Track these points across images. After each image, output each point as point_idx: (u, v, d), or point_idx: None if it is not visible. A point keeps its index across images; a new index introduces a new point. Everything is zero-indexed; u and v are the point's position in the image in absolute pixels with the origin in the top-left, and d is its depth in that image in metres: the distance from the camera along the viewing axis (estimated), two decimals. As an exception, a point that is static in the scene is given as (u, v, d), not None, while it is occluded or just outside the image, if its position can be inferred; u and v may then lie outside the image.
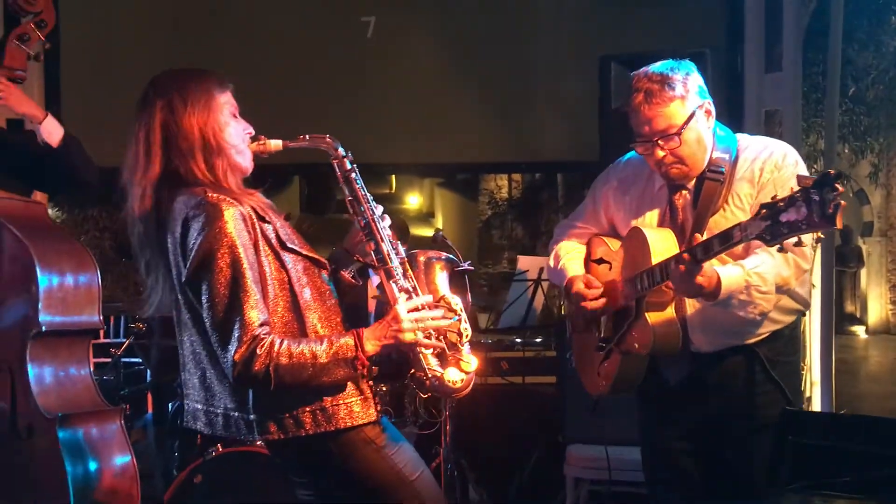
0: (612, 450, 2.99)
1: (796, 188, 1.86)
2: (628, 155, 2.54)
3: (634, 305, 2.35)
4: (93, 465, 2.53)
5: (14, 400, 2.56)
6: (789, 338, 2.44)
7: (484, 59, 4.76)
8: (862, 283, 13.60)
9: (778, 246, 1.91)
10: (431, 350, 2.02)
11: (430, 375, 2.00)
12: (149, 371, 4.36)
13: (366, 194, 2.11)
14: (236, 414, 1.98)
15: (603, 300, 2.45)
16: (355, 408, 1.99)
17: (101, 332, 4.44)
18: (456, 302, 2.09)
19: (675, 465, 2.50)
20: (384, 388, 3.20)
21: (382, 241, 2.08)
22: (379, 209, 2.12)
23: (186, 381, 2.07)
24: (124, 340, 3.94)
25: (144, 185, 1.98)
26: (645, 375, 2.45)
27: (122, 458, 2.60)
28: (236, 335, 1.87)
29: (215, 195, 1.94)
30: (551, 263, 2.64)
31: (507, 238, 13.70)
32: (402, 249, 2.11)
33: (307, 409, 1.96)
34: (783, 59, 4.22)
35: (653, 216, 2.43)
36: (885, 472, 1.90)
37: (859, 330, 13.33)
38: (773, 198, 1.90)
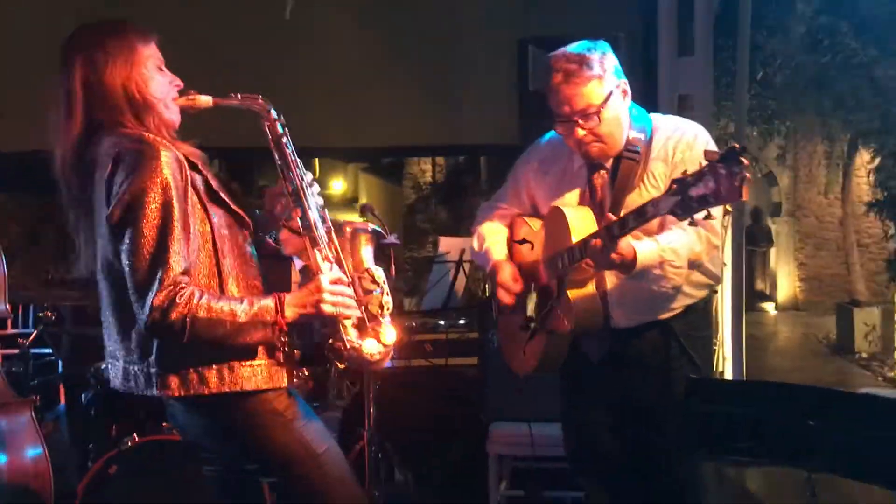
0: (534, 426, 3.03)
1: (704, 163, 1.92)
2: (548, 135, 2.56)
3: (557, 284, 2.39)
4: (1, 458, 2.43)
5: (-86, 394, 2.44)
6: (702, 312, 2.52)
7: (405, 42, 4.72)
8: (771, 261, 14.11)
9: (689, 220, 1.96)
10: (350, 321, 2.00)
11: (348, 346, 1.99)
12: (60, 361, 4.20)
13: (296, 159, 2.08)
14: (136, 367, 1.93)
15: (512, 298, 2.49)
16: (263, 372, 1.96)
17: (10, 322, 4.29)
18: (379, 274, 2.08)
19: (594, 440, 2.56)
20: (306, 373, 3.16)
21: (310, 208, 2.05)
22: (308, 176, 2.09)
23: (104, 335, 2.01)
24: (33, 330, 3.79)
25: (67, 143, 1.90)
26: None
27: (33, 451, 2.52)
28: (157, 280, 1.80)
29: (151, 136, 1.88)
30: (475, 246, 2.65)
31: (431, 222, 13.71)
32: (329, 218, 2.08)
33: (214, 366, 1.92)
34: (695, 43, 4.30)
35: (573, 195, 2.46)
36: (786, 435, 1.98)
37: (769, 307, 13.85)
38: (683, 173, 1.96)
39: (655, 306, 2.40)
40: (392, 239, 2.26)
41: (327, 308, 1.96)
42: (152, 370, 1.91)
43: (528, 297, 2.52)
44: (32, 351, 3.60)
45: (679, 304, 2.42)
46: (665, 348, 2.43)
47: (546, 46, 3.30)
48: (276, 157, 2.07)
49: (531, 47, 3.61)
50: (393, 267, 2.56)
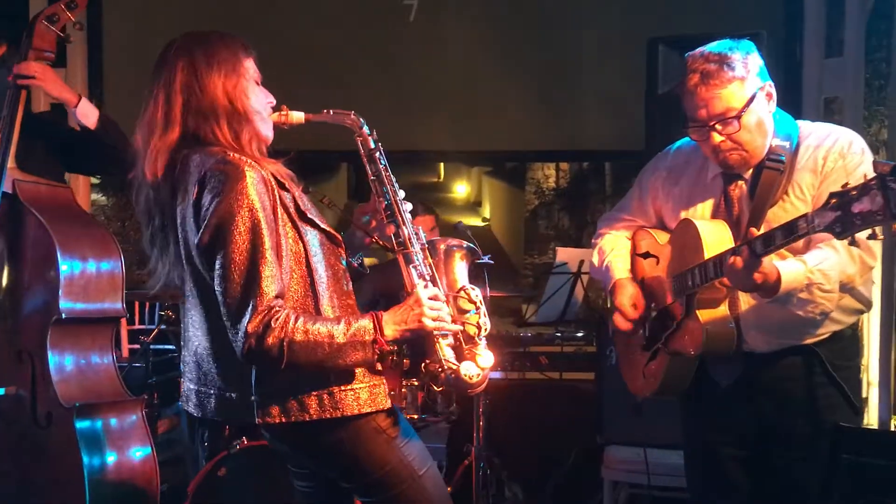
0: (651, 453, 2.86)
1: (870, 175, 1.69)
2: (678, 143, 2.41)
3: (684, 303, 2.21)
4: (110, 457, 2.47)
5: (34, 387, 2.51)
6: (851, 340, 2.28)
7: (530, 45, 4.65)
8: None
9: (849, 239, 1.74)
10: (448, 341, 1.91)
11: (445, 368, 1.89)
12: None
13: (390, 175, 2.02)
14: (234, 395, 1.88)
15: (629, 325, 2.35)
16: (363, 395, 1.89)
17: (137, 319, 4.44)
18: (475, 294, 1.98)
19: (722, 473, 2.35)
20: (416, 383, 3.09)
21: (404, 224, 1.98)
22: (401, 192, 2.02)
23: (184, 359, 1.99)
24: (154, 327, 3.89)
25: (160, 147, 1.87)
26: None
27: (141, 450, 2.54)
28: (251, 305, 1.75)
29: (236, 156, 1.83)
30: (595, 261, 2.50)
31: (553, 228, 13.52)
32: (422, 235, 2.01)
33: (314, 393, 1.86)
34: (845, 43, 4.02)
35: (705, 207, 2.28)
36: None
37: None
38: (843, 186, 1.74)
39: (798, 331, 2.17)
40: (486, 259, 2.14)
41: (429, 322, 1.87)
42: (252, 398, 1.87)
43: (649, 314, 2.34)
44: (155, 347, 3.69)
45: (825, 329, 2.18)
46: (808, 377, 2.21)
47: (678, 46, 3.10)
48: (370, 171, 2.02)
49: (661, 47, 3.39)
50: (487, 287, 2.44)
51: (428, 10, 4.63)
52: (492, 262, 2.19)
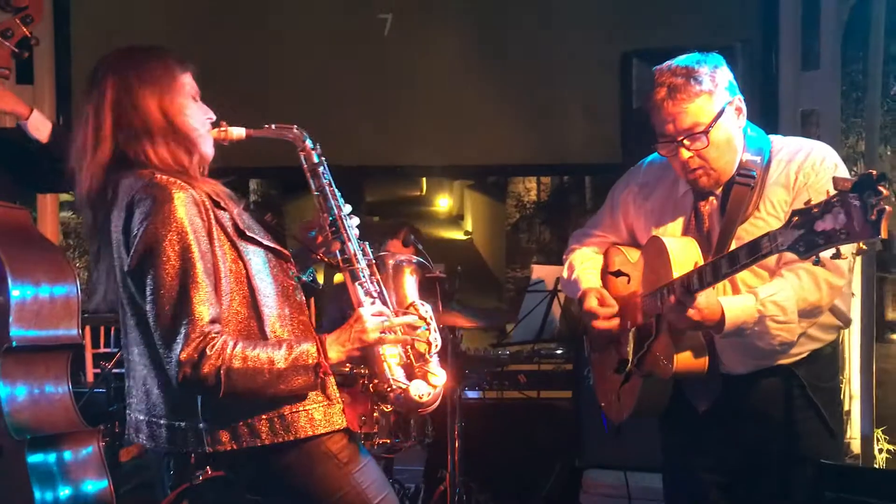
0: (631, 476, 2.78)
1: (832, 192, 1.64)
2: (650, 157, 2.35)
3: (655, 322, 2.14)
4: (64, 491, 2.36)
5: (-16, 419, 2.40)
6: (830, 358, 2.22)
7: (508, 59, 4.58)
8: (903, 289, 13.17)
9: (813, 259, 1.68)
10: (397, 359, 1.85)
11: (394, 387, 1.83)
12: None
13: (334, 189, 1.97)
14: (183, 424, 1.80)
15: (616, 320, 2.26)
16: (317, 415, 1.82)
17: (102, 342, 4.33)
18: (426, 310, 1.92)
19: (703, 499, 2.29)
20: (388, 409, 3.00)
21: (349, 240, 1.93)
22: (347, 207, 1.97)
23: (129, 389, 1.90)
24: (116, 351, 3.79)
25: (93, 169, 1.81)
26: (670, 399, 2.24)
27: (97, 484, 2.43)
28: (183, 333, 1.68)
29: (164, 177, 1.76)
30: (565, 274, 2.45)
31: (535, 241, 13.51)
32: (369, 251, 1.96)
33: (263, 416, 1.79)
34: (821, 56, 4.00)
35: (676, 225, 2.23)
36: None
37: (901, 338, 12.90)
38: (806, 203, 1.68)
39: (771, 353, 2.11)
40: (436, 272, 2.09)
41: (372, 337, 1.81)
42: (201, 426, 1.79)
43: (622, 334, 2.28)
44: (118, 371, 3.57)
45: (804, 348, 2.13)
46: (787, 399, 2.15)
47: (652, 60, 3.05)
48: (313, 187, 1.97)
49: (635, 61, 3.35)
50: (440, 302, 2.38)
51: (403, 25, 4.56)
52: (443, 275, 2.14)
